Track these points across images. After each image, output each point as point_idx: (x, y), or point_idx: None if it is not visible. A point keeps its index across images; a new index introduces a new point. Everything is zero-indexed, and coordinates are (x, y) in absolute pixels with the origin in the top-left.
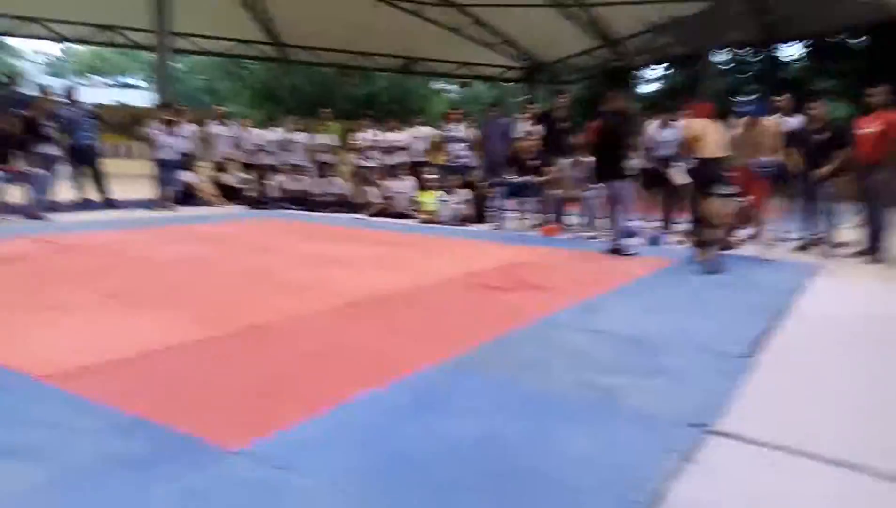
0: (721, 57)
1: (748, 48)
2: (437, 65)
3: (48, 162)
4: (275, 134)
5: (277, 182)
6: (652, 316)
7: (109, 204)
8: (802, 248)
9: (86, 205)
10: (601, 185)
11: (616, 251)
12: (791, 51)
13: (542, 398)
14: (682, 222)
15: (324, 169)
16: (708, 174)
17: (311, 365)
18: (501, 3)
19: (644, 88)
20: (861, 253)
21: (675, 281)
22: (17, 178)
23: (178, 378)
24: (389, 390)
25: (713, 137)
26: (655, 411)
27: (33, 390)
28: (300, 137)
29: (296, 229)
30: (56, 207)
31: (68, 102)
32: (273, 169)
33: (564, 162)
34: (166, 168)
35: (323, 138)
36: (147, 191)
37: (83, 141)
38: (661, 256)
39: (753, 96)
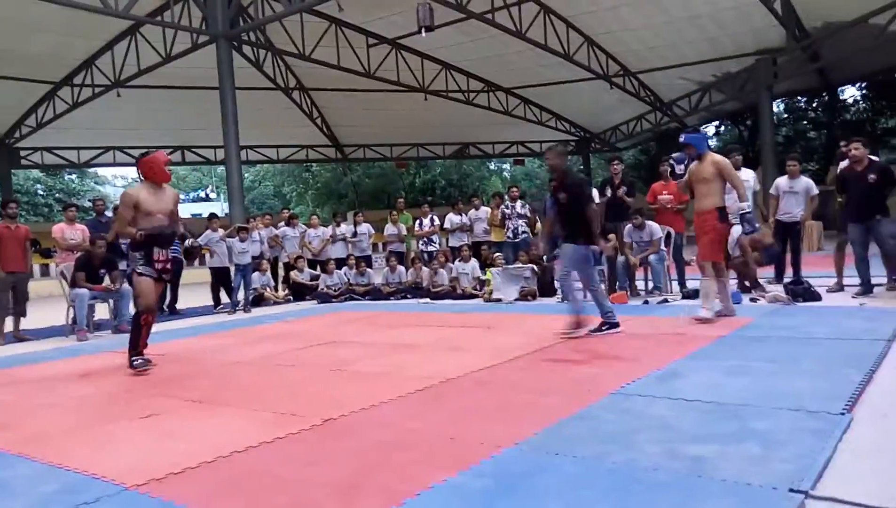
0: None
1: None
2: (490, 146)
3: (129, 278)
4: (340, 229)
5: (343, 276)
6: (735, 378)
7: (189, 312)
8: (866, 292)
9: (167, 315)
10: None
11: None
12: (851, 92)
13: (628, 473)
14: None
15: (391, 258)
16: None
17: (388, 455)
18: (547, 81)
19: None
20: None
21: (755, 339)
22: (104, 295)
23: (262, 479)
24: (468, 475)
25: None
26: (750, 479)
27: (123, 498)
28: (364, 228)
29: (364, 320)
30: None
31: None
32: (340, 263)
33: (626, 228)
34: (240, 273)
35: (391, 229)
36: (220, 297)
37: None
38: (737, 315)
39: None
